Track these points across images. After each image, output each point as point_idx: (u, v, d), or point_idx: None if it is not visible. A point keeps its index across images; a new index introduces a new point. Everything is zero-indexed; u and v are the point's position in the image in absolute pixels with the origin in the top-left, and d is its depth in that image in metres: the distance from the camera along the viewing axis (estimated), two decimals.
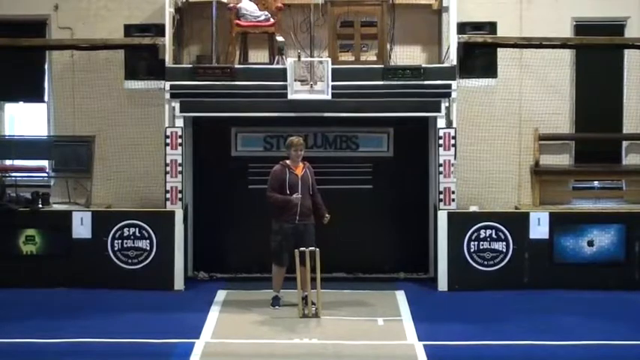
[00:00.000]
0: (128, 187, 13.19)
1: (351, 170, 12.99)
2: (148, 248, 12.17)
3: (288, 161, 11.18)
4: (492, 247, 12.14)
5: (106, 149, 13.20)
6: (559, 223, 12.18)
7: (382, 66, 12.15)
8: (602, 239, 12.20)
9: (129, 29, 12.31)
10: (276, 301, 11.23)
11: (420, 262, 13.00)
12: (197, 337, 9.92)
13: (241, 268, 12.97)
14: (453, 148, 12.12)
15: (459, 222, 12.15)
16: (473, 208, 12.69)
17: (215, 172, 13.05)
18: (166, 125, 12.19)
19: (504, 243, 12.14)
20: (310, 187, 11.13)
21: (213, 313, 10.96)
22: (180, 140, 12.13)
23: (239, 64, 12.53)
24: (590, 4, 13.28)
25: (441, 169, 12.11)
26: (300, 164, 11.17)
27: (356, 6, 12.28)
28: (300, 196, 10.96)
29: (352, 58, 12.42)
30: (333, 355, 9.40)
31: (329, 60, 12.01)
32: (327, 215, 11.20)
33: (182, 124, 12.16)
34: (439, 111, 12.12)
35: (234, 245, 13.02)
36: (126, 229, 12.16)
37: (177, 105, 12.15)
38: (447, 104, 12.11)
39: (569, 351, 9.48)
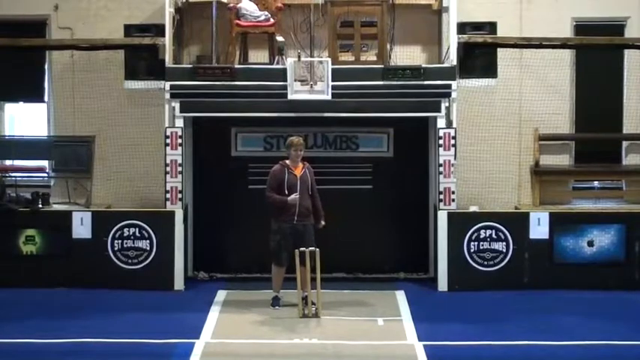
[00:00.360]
0: (128, 187, 13.19)
1: (351, 170, 12.98)
2: (148, 248, 12.17)
3: (287, 161, 11.17)
4: (492, 247, 12.14)
5: (106, 149, 13.20)
6: (559, 223, 12.18)
7: (382, 66, 12.15)
8: (602, 239, 12.20)
9: (129, 29, 12.30)
10: (276, 302, 11.23)
11: (420, 262, 12.99)
12: (197, 337, 9.91)
13: (241, 268, 12.97)
14: (453, 148, 12.12)
15: (459, 222, 12.14)
16: (473, 208, 12.69)
17: (215, 172, 13.05)
18: (166, 125, 12.18)
19: (504, 243, 12.14)
20: (309, 188, 11.12)
21: (213, 313, 10.96)
22: (180, 140, 12.13)
23: (239, 64, 12.53)
24: (590, 4, 13.29)
25: (441, 169, 12.11)
26: (300, 164, 11.17)
27: (356, 6, 12.28)
28: (297, 196, 10.95)
29: (352, 58, 12.42)
30: (333, 355, 9.40)
31: (329, 60, 12.01)
32: (322, 222, 11.18)
33: (182, 124, 12.16)
34: (439, 111, 12.12)
35: (234, 245, 13.02)
36: (126, 229, 12.16)
37: (177, 105, 12.15)
38: (447, 104, 12.11)
39: (569, 351, 9.47)
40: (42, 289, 11.88)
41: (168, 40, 12.12)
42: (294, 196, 10.92)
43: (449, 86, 12.05)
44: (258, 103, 12.11)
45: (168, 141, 12.12)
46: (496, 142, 13.20)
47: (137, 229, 12.16)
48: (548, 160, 13.39)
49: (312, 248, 10.90)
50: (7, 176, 12.99)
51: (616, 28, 13.29)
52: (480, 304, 11.50)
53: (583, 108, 13.49)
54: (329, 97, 11.91)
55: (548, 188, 13.24)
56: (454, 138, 12.11)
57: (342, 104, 12.04)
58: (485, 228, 12.15)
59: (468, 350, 9.54)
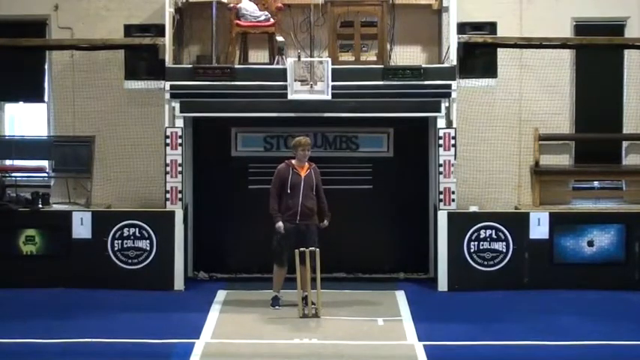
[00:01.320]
0: (128, 187, 13.19)
1: (351, 170, 12.98)
2: (148, 248, 12.17)
3: (294, 161, 11.16)
4: (492, 247, 12.14)
5: (106, 149, 13.21)
6: (559, 223, 12.18)
7: (382, 66, 12.15)
8: (602, 239, 12.20)
9: (129, 29, 12.30)
10: (276, 301, 11.22)
11: (420, 262, 13.00)
12: (197, 337, 9.91)
13: (241, 268, 12.97)
14: (453, 148, 12.12)
15: (459, 222, 12.14)
16: (473, 208, 12.68)
17: (215, 172, 13.05)
18: (166, 125, 12.18)
19: (504, 243, 12.13)
20: (313, 189, 11.10)
21: (213, 313, 10.96)
22: (180, 140, 12.13)
23: (239, 64, 12.53)
24: (590, 4, 13.29)
25: (441, 169, 12.11)
26: (306, 165, 11.14)
27: (356, 6, 12.28)
28: (281, 226, 10.94)
29: (352, 58, 12.41)
30: (333, 355, 9.40)
31: (329, 60, 12.01)
32: (324, 222, 11.18)
33: (182, 124, 12.16)
34: (439, 111, 12.12)
35: (234, 245, 13.02)
36: (126, 229, 12.16)
37: (177, 105, 12.14)
38: (446, 104, 12.11)
39: (569, 351, 9.47)
40: (42, 289, 11.87)
41: (168, 40, 12.12)
42: (280, 224, 10.93)
43: (449, 86, 12.05)
44: (258, 103, 12.11)
45: (168, 141, 12.12)
46: (496, 142, 13.20)
47: (137, 229, 12.16)
48: (548, 160, 13.39)
49: (312, 248, 10.90)
50: (7, 176, 12.99)
51: (616, 28, 13.29)
52: (480, 304, 11.50)
53: (583, 108, 13.49)
54: (329, 97, 11.91)
55: (548, 188, 13.24)
56: (454, 138, 12.11)
57: (342, 104, 12.04)
58: (485, 228, 12.14)
59: (468, 350, 9.54)
